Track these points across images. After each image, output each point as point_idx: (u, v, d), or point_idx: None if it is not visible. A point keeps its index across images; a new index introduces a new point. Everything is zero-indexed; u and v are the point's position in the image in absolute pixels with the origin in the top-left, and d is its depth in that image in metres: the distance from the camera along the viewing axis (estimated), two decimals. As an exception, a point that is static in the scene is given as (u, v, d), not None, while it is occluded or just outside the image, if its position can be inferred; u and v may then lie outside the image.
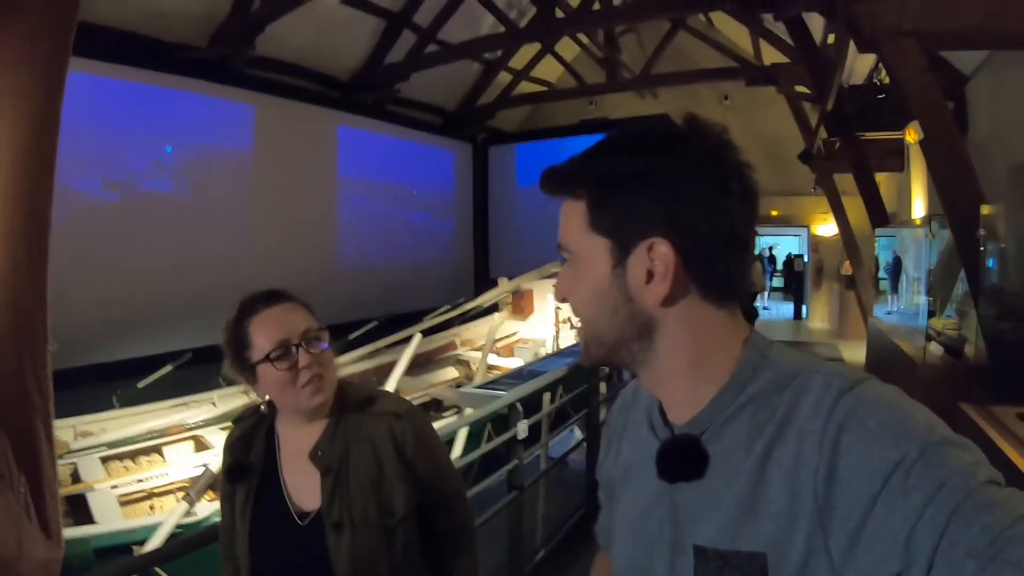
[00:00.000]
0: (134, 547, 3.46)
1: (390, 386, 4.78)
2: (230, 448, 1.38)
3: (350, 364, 5.80)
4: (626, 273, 0.71)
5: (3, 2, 2.83)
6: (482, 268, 15.32)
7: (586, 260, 0.74)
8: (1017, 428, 2.58)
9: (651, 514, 0.76)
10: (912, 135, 6.80)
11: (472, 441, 4.62)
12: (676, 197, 0.68)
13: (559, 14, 9.92)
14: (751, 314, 7.46)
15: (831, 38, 7.90)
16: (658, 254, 0.68)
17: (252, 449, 1.36)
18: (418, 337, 5.64)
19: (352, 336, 5.25)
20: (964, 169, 3.87)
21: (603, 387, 4.64)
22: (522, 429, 2.95)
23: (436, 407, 6.28)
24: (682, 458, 0.71)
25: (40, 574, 2.18)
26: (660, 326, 0.72)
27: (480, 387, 4.27)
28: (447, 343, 7.75)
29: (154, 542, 3.32)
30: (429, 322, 6.39)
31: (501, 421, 3.68)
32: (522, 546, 3.18)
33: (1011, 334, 3.36)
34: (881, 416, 0.60)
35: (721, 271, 0.70)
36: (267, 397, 1.34)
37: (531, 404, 3.46)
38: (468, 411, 4.62)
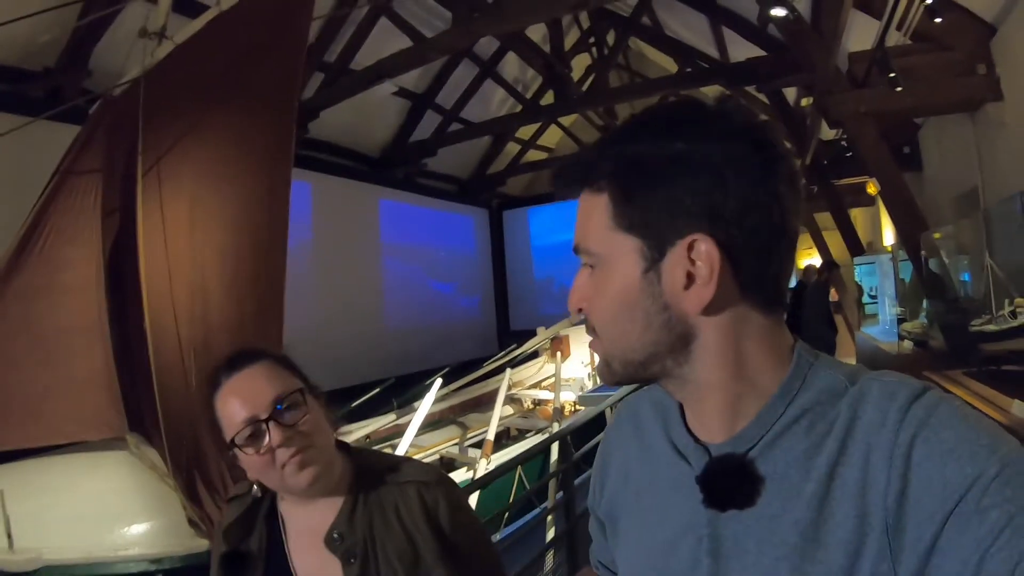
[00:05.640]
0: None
1: (496, 414, 5.68)
2: (224, 533, 1.15)
3: (438, 402, 6.51)
4: (660, 278, 0.60)
5: (245, 93, 3.80)
6: (503, 322, 16.13)
7: (610, 264, 0.62)
8: (964, 381, 3.80)
9: (679, 547, 0.64)
10: (872, 188, 8.11)
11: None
12: (720, 185, 0.57)
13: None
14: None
15: (804, 101, 9.06)
16: (700, 254, 0.58)
17: (252, 534, 1.15)
18: (508, 371, 6.64)
19: (429, 381, 6.17)
20: (911, 208, 5.06)
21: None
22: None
23: (506, 435, 7.25)
24: (734, 481, 0.60)
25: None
26: (699, 335, 0.61)
27: (591, 392, 5.50)
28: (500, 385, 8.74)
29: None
30: (491, 365, 7.33)
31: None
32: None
33: (956, 321, 4.35)
34: (957, 428, 0.52)
35: (770, 270, 0.60)
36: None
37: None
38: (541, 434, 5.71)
